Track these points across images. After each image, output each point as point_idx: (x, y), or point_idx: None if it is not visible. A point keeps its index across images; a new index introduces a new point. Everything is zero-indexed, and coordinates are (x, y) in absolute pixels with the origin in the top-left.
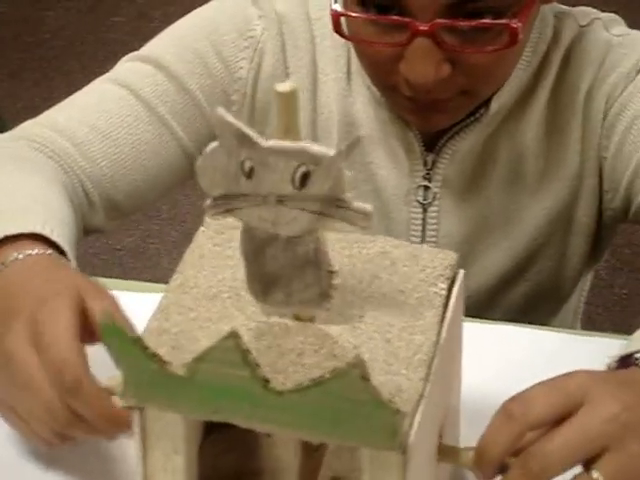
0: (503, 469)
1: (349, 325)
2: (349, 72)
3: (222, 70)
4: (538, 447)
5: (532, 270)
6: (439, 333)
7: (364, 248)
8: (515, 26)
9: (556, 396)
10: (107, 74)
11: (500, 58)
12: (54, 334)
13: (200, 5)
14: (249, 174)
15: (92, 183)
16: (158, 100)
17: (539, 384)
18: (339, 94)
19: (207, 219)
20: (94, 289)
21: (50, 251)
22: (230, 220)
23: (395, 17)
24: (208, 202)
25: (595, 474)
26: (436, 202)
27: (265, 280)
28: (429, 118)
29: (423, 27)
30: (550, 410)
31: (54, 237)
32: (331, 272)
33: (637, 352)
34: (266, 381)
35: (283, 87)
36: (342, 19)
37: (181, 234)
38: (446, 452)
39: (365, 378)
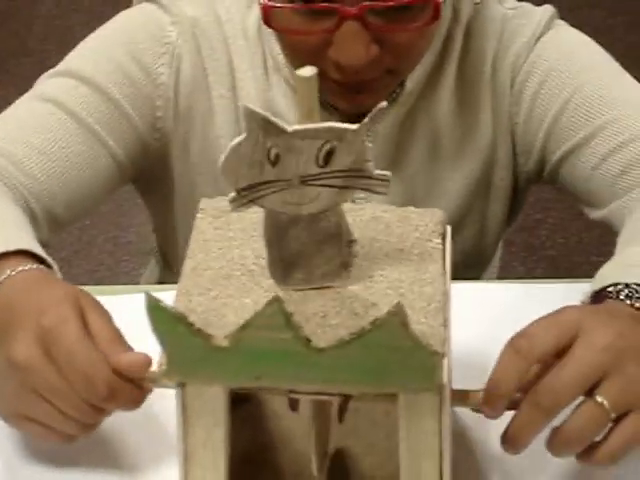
0: (510, 406)
1: (362, 285)
2: (266, 68)
3: (143, 77)
4: (546, 383)
5: (457, 240)
6: (445, 283)
7: (357, 216)
8: (439, 0)
9: (555, 330)
10: (29, 92)
11: (422, 35)
12: (69, 340)
13: None
14: (275, 161)
15: (34, 199)
16: (85, 112)
17: (538, 320)
18: (259, 90)
19: (202, 205)
20: (91, 300)
21: (41, 266)
22: (224, 204)
23: (323, 4)
24: (231, 195)
25: (599, 398)
26: None
27: (287, 262)
28: (357, 99)
29: (352, 10)
30: (552, 343)
31: (40, 252)
32: (351, 242)
33: (608, 287)
34: (308, 341)
35: (304, 72)
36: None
37: None
38: (456, 396)
39: (405, 324)
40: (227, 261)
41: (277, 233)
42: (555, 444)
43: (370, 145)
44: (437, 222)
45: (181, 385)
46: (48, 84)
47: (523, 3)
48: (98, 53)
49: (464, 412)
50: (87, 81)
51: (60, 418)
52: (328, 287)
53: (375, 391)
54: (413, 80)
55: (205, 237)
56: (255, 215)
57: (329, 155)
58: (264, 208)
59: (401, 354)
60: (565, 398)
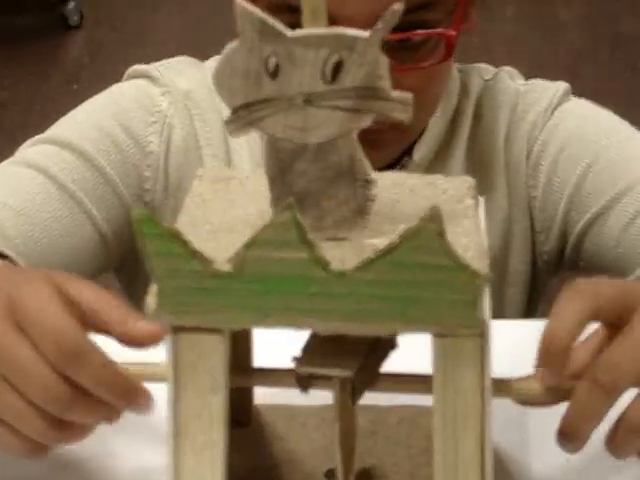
0: (565, 395)
1: (384, 239)
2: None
3: (132, 145)
4: (604, 358)
5: None
6: (480, 236)
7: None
8: (451, 35)
9: (620, 288)
10: (10, 159)
11: (431, 79)
12: (38, 304)
13: None
14: (274, 73)
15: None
16: (68, 177)
17: (601, 279)
18: (254, 164)
19: (199, 173)
20: (72, 276)
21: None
22: (225, 170)
23: None
24: (227, 116)
25: None
26: None
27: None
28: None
29: None
30: (615, 297)
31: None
32: (367, 182)
33: None
34: (327, 263)
35: None
36: None
37: None
38: (498, 384)
39: (442, 234)
40: (231, 217)
41: (280, 167)
42: (619, 435)
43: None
44: (468, 187)
45: (174, 331)
46: (30, 151)
47: (535, 80)
48: (84, 121)
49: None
50: (71, 147)
51: (24, 411)
52: (342, 239)
53: (405, 329)
54: (421, 152)
55: (204, 197)
56: (259, 182)
57: (337, 69)
58: (265, 134)
59: (437, 275)
60: (627, 373)
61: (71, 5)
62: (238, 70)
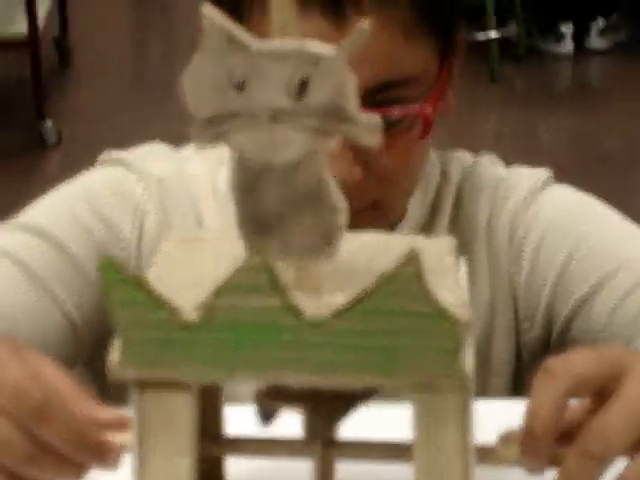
0: (554, 461)
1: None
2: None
3: (103, 230)
4: (594, 427)
5: None
6: (462, 292)
7: (348, 242)
8: (428, 112)
9: (595, 359)
10: None
11: (409, 158)
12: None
13: None
14: (241, 86)
15: None
16: (36, 263)
17: (575, 351)
18: None
19: (167, 236)
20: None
21: None
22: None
23: None
24: (193, 127)
25: None
26: None
27: (259, 223)
28: None
29: None
30: (592, 369)
31: None
32: (336, 209)
33: None
34: (299, 311)
35: None
36: None
37: None
38: (481, 452)
39: (420, 278)
40: (196, 274)
41: (246, 186)
42: None
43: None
44: (449, 247)
45: (139, 389)
46: None
47: (516, 166)
48: (54, 206)
49: None
50: (40, 232)
51: None
52: (316, 287)
53: (381, 381)
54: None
55: (171, 256)
56: (231, 243)
57: (303, 87)
58: (231, 150)
59: (416, 323)
60: (618, 441)
61: (49, 124)
62: (206, 80)
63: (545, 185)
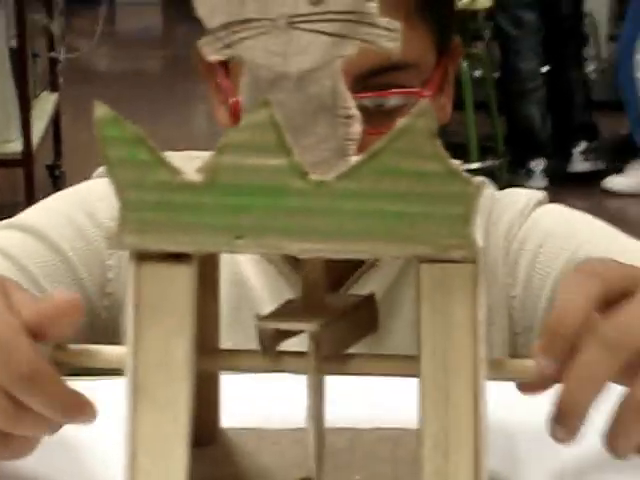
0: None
1: None
2: None
3: (96, 233)
4: (613, 316)
5: None
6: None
7: None
8: (427, 95)
9: (621, 268)
10: None
11: None
12: None
13: None
14: None
15: None
16: (29, 261)
17: (599, 260)
18: (224, 255)
19: None
20: (16, 284)
21: None
22: None
23: None
24: (204, 38)
25: None
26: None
27: None
28: None
29: None
30: (620, 276)
31: None
32: (349, 117)
33: None
34: (305, 172)
35: None
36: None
37: None
38: (492, 364)
39: (433, 135)
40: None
41: (258, 97)
42: (622, 422)
43: None
44: None
45: (136, 261)
46: None
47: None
48: (49, 209)
49: None
50: (33, 231)
51: None
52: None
53: (390, 250)
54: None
55: None
56: None
57: None
58: (243, 60)
59: (425, 185)
60: (638, 333)
61: None
62: None
63: (541, 203)
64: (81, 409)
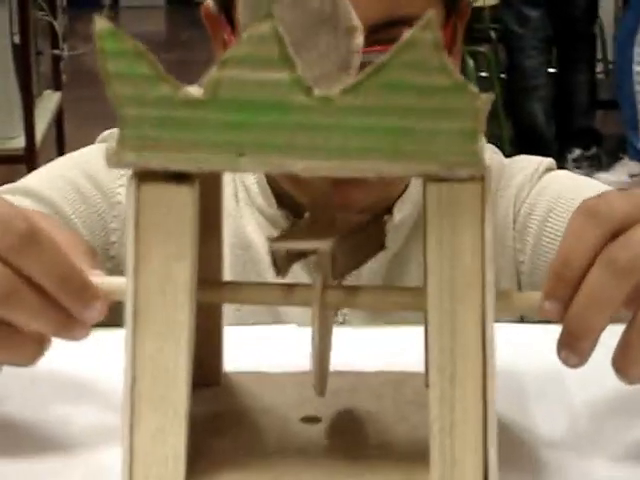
0: None
1: None
2: (237, 199)
3: (98, 196)
4: (622, 241)
5: None
6: None
7: None
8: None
9: (629, 196)
10: None
11: None
12: None
13: None
14: None
15: None
16: None
17: (611, 193)
18: (229, 217)
19: None
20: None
21: None
22: None
23: None
24: None
25: None
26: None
27: None
28: (347, 193)
29: None
30: (632, 202)
31: None
32: (351, 28)
33: None
34: (309, 87)
35: None
36: None
37: None
38: (499, 295)
39: (438, 46)
40: None
41: (256, 14)
42: (633, 343)
43: None
44: None
45: (136, 181)
46: None
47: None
48: (49, 173)
49: None
50: (35, 194)
51: None
52: None
53: (396, 168)
54: (403, 211)
55: None
56: None
57: None
58: None
59: (432, 99)
60: None
61: None
62: None
63: (550, 169)
64: (88, 292)
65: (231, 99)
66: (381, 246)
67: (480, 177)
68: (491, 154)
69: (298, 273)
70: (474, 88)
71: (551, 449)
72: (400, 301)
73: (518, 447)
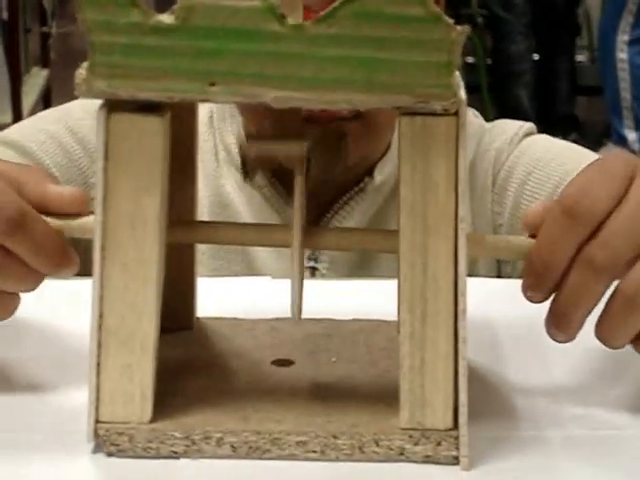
0: None
1: None
2: (217, 159)
3: (79, 150)
4: (599, 238)
5: None
6: None
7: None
8: None
9: (612, 180)
10: None
11: None
12: None
13: None
14: None
15: None
16: None
17: (584, 173)
18: (208, 176)
19: None
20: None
21: None
22: None
23: None
24: None
25: None
26: (320, 281)
27: None
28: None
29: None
30: (612, 195)
31: None
32: None
33: None
34: (282, 16)
35: None
36: None
37: None
38: (472, 238)
39: None
40: None
41: None
42: (613, 314)
43: None
44: None
45: (106, 111)
46: None
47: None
48: (31, 125)
49: None
50: (14, 145)
51: None
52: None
53: (370, 100)
54: (384, 172)
55: None
56: None
57: None
58: None
59: (407, 30)
60: (625, 246)
61: None
62: None
63: (530, 133)
64: (66, 259)
65: (203, 26)
66: (346, 157)
67: (454, 111)
68: (472, 116)
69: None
70: (449, 20)
71: (523, 395)
72: (377, 242)
73: (490, 392)
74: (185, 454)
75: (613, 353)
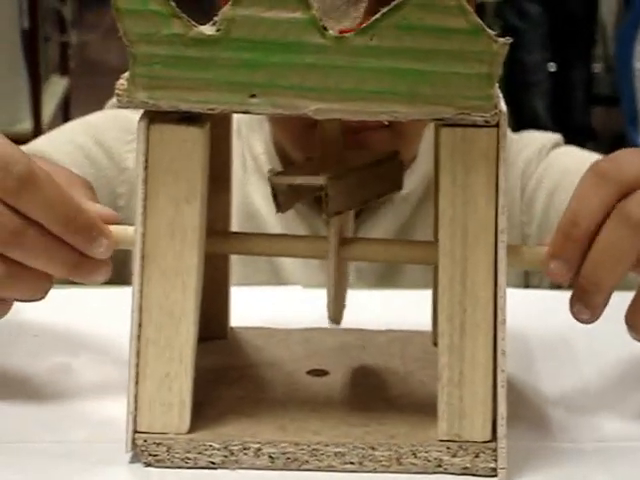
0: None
1: None
2: (245, 167)
3: (106, 161)
4: (635, 194)
5: None
6: None
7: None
8: None
9: None
10: None
11: None
12: None
13: None
14: None
15: None
16: None
17: (625, 152)
18: (236, 183)
19: None
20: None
21: None
22: None
23: None
24: None
25: None
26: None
27: None
28: (359, 137)
29: None
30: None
31: None
32: None
33: None
34: (324, 27)
35: None
36: None
37: None
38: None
39: None
40: None
41: None
42: None
43: None
44: None
45: (146, 122)
46: None
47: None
48: (58, 137)
49: None
50: (43, 156)
51: None
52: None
53: (411, 111)
54: (410, 184)
55: None
56: None
57: None
58: None
59: (448, 42)
60: None
61: None
62: None
63: (558, 144)
64: (93, 228)
65: (244, 38)
66: (397, 186)
67: (495, 123)
68: None
69: None
70: (491, 32)
71: (558, 406)
72: (413, 254)
73: (525, 403)
74: (223, 464)
75: None
